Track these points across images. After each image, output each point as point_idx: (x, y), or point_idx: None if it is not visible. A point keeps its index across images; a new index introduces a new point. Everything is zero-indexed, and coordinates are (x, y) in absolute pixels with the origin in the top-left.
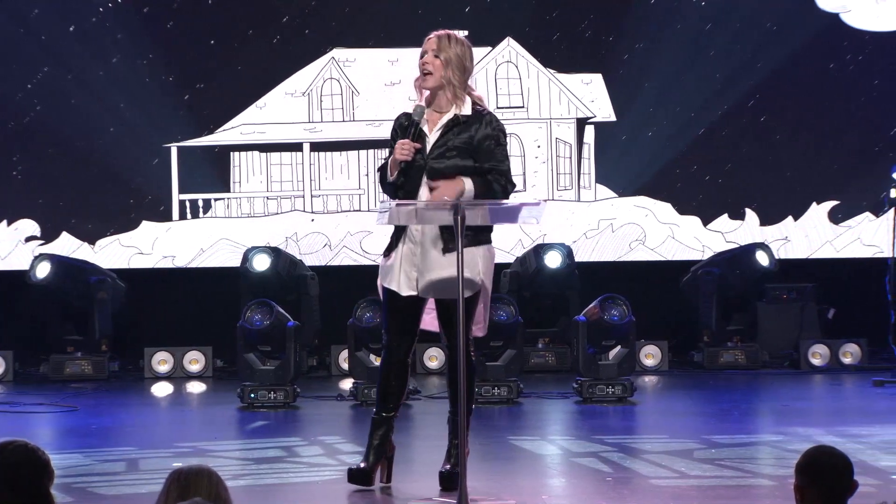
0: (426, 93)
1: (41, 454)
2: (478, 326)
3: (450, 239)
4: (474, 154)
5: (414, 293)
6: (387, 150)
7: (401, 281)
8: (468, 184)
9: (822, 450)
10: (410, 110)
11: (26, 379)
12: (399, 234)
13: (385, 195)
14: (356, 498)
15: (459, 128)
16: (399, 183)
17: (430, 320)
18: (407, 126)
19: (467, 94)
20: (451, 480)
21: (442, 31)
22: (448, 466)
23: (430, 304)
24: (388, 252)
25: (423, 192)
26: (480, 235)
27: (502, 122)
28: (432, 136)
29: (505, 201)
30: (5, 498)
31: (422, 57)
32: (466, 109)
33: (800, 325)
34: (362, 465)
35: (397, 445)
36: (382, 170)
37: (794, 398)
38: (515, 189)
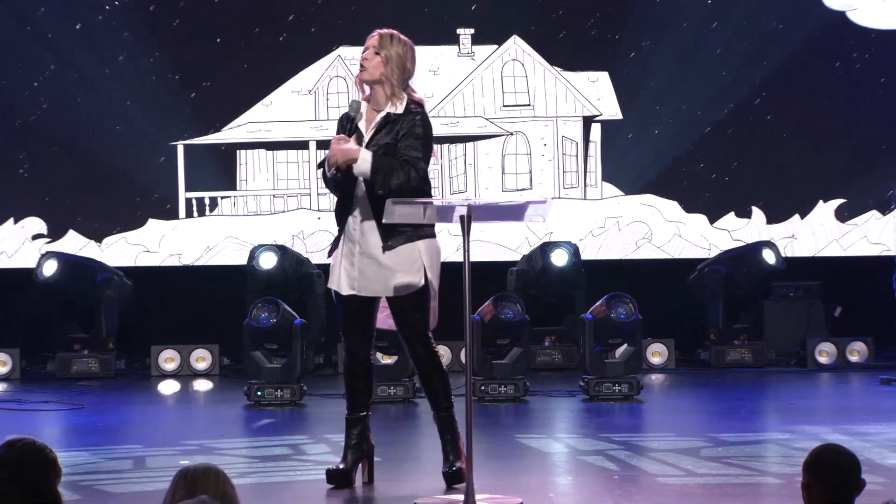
0: (367, 91)
1: (48, 452)
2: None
3: (388, 236)
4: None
5: (354, 292)
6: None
7: (341, 280)
8: (365, 155)
9: (829, 448)
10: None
11: (33, 377)
12: (339, 233)
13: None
14: (362, 496)
15: (389, 126)
16: (337, 179)
17: (383, 318)
18: (345, 123)
19: (407, 94)
20: (455, 477)
21: (386, 30)
22: (449, 464)
23: (384, 301)
24: (331, 251)
25: (360, 191)
26: (420, 230)
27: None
28: (367, 135)
29: (512, 199)
30: (13, 495)
31: (364, 51)
32: (400, 108)
33: (806, 323)
34: (341, 465)
35: (404, 443)
36: (322, 165)
37: (801, 396)
38: (423, 174)
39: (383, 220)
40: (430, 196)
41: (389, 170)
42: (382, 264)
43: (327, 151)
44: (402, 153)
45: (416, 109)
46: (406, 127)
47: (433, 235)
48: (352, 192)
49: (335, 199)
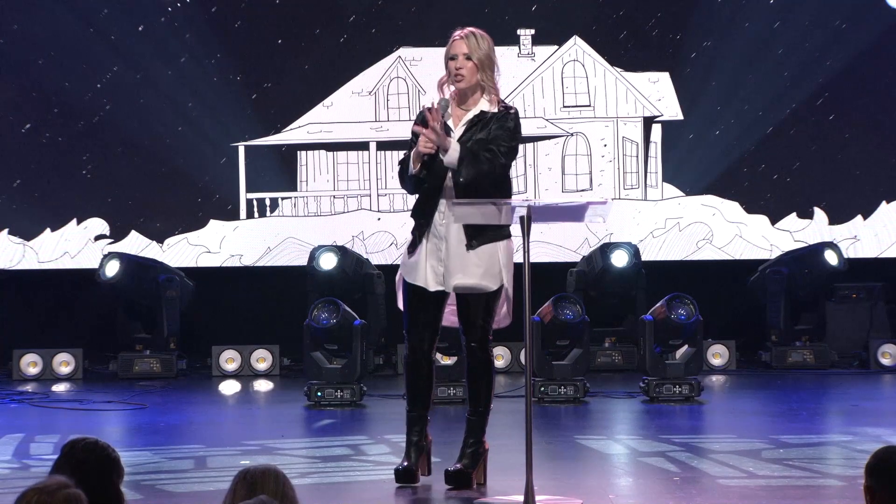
0: (448, 89)
1: (111, 451)
2: (501, 318)
3: (472, 235)
4: None
5: (441, 288)
6: (406, 149)
7: (427, 276)
8: (454, 145)
9: (892, 450)
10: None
11: (95, 377)
12: (422, 229)
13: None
14: (423, 497)
15: (482, 123)
16: (422, 176)
17: (446, 315)
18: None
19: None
20: (453, 478)
21: (467, 30)
22: (459, 465)
23: (451, 299)
24: (411, 248)
25: (447, 185)
26: (502, 230)
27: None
28: (457, 132)
29: (572, 200)
30: None
31: (453, 59)
32: (495, 107)
33: (869, 325)
34: (405, 463)
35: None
36: (403, 164)
37: (864, 398)
38: (506, 163)
39: (453, 222)
40: (511, 196)
41: (475, 159)
42: (467, 262)
43: (411, 150)
44: (489, 144)
45: (510, 108)
46: (498, 122)
47: (510, 236)
48: (438, 189)
49: (411, 196)
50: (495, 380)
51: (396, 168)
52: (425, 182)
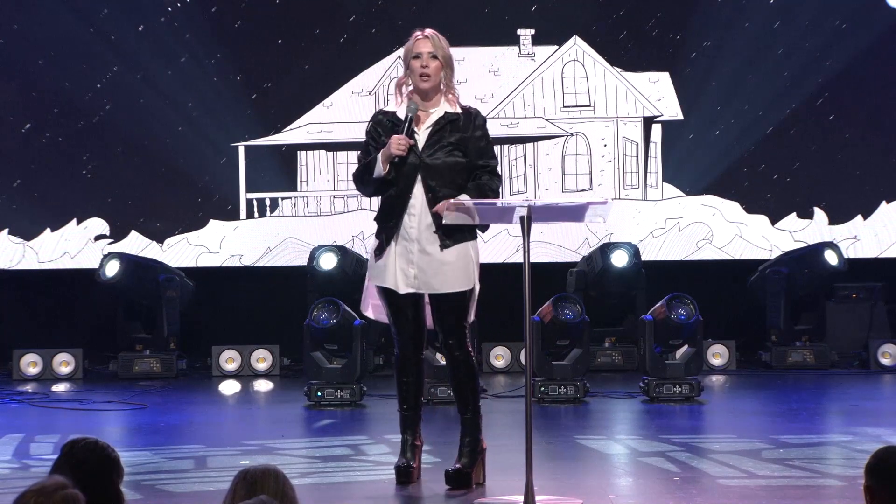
0: (406, 90)
1: (111, 451)
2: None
3: (445, 235)
4: (465, 151)
5: (412, 290)
6: (361, 150)
7: (398, 279)
8: (466, 200)
9: (892, 450)
10: (390, 109)
11: (95, 377)
12: (390, 232)
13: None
14: (423, 496)
15: (451, 125)
16: (390, 178)
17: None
18: (390, 125)
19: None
20: (453, 478)
21: (429, 30)
22: (458, 465)
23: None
24: (379, 251)
25: (418, 190)
26: (472, 231)
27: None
28: (423, 134)
29: (572, 200)
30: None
31: (417, 58)
32: (457, 107)
33: (869, 325)
34: (403, 462)
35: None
36: (366, 167)
37: (864, 398)
38: (504, 186)
39: (444, 222)
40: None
41: (483, 196)
42: (440, 262)
43: (364, 153)
44: (484, 162)
45: (471, 109)
46: (478, 131)
47: (477, 237)
48: (407, 194)
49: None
50: (479, 377)
51: (358, 168)
52: (393, 184)
